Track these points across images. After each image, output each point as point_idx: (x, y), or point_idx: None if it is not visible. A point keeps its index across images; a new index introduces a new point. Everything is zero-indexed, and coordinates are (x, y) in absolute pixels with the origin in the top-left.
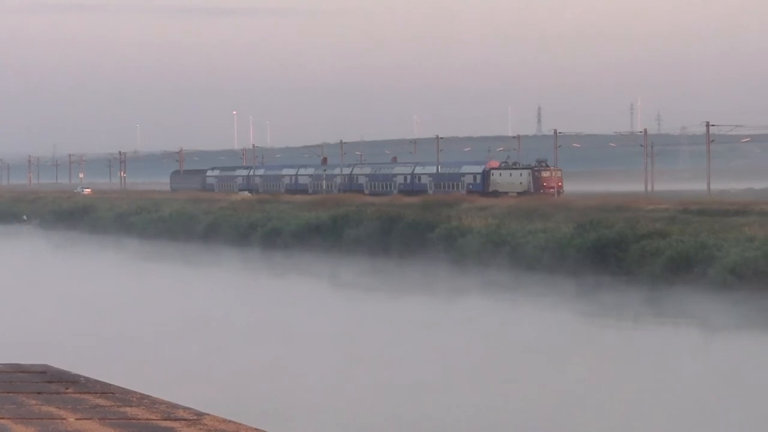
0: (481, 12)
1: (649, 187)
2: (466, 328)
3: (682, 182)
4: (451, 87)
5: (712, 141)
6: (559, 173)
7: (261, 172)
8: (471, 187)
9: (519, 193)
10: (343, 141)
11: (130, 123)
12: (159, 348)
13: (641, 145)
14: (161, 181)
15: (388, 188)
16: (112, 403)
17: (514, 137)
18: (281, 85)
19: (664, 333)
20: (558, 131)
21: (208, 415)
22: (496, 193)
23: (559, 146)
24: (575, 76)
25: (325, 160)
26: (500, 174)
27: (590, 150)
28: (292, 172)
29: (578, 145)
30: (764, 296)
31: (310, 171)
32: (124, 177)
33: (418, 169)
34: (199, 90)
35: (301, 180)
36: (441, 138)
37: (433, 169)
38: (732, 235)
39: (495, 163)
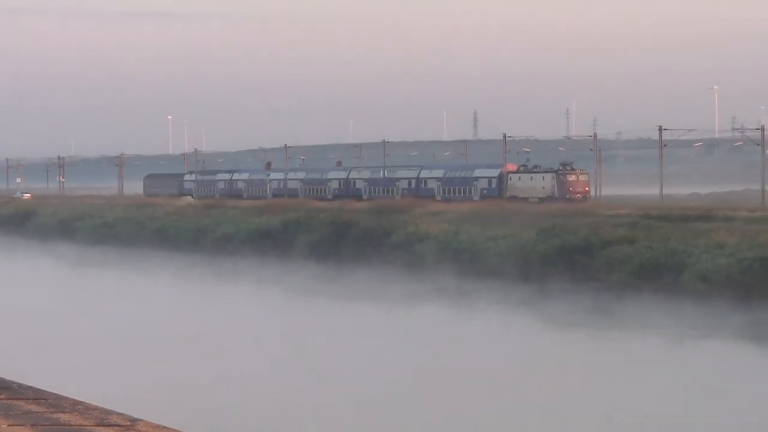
0: (413, 15)
1: (599, 192)
2: (398, 337)
3: (624, 187)
4: (384, 91)
5: (665, 145)
6: (585, 177)
7: (245, 176)
8: (485, 192)
9: (541, 199)
10: (286, 145)
11: (64, 127)
12: (92, 354)
13: (591, 150)
14: (100, 186)
15: (391, 193)
16: (45, 410)
17: (451, 142)
18: (213, 90)
19: (624, 341)
20: (507, 135)
21: (141, 420)
22: (513, 199)
23: (508, 150)
24: (508, 80)
25: (269, 165)
26: (519, 178)
27: (538, 154)
28: (281, 176)
29: (528, 150)
30: (736, 305)
31: (300, 175)
32: (63, 182)
33: (425, 173)
34: (132, 94)
35: (291, 185)
36: (373, 143)
37: (440, 173)
38: (701, 242)
39: (512, 166)
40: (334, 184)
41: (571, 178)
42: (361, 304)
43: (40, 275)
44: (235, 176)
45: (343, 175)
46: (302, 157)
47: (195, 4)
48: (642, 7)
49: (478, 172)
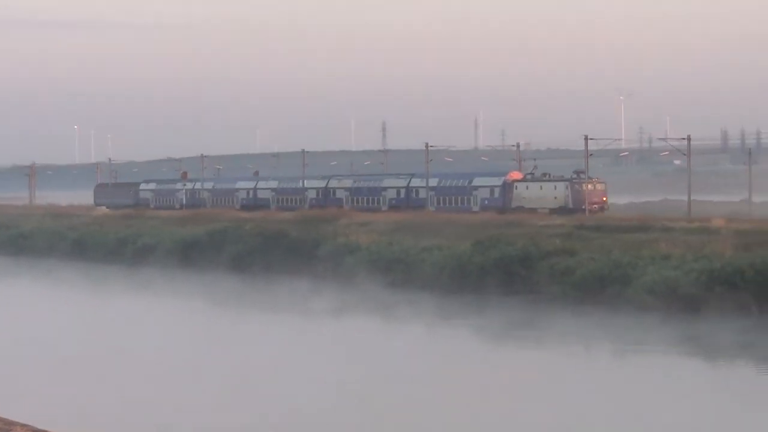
0: (324, 25)
1: None
2: (306, 351)
3: None
4: (292, 100)
5: (591, 155)
6: (602, 186)
7: (209, 185)
8: (486, 202)
9: (552, 210)
10: (203, 155)
11: None
12: None
13: (513, 160)
14: (9, 196)
15: (377, 203)
16: None
17: (358, 151)
18: (122, 99)
19: (552, 354)
20: (430, 145)
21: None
22: (520, 210)
23: (431, 160)
24: (416, 89)
25: (185, 175)
26: (527, 187)
27: (460, 165)
28: (250, 185)
29: (450, 159)
30: (683, 317)
31: (273, 184)
32: None
33: (415, 182)
34: (42, 103)
35: (261, 194)
36: (286, 152)
37: (434, 182)
38: (646, 253)
39: (517, 174)
40: (312, 194)
41: (588, 187)
42: (276, 316)
43: None
44: (197, 185)
45: (321, 184)
46: (218, 167)
47: (103, 13)
48: (547, 16)
49: (477, 181)
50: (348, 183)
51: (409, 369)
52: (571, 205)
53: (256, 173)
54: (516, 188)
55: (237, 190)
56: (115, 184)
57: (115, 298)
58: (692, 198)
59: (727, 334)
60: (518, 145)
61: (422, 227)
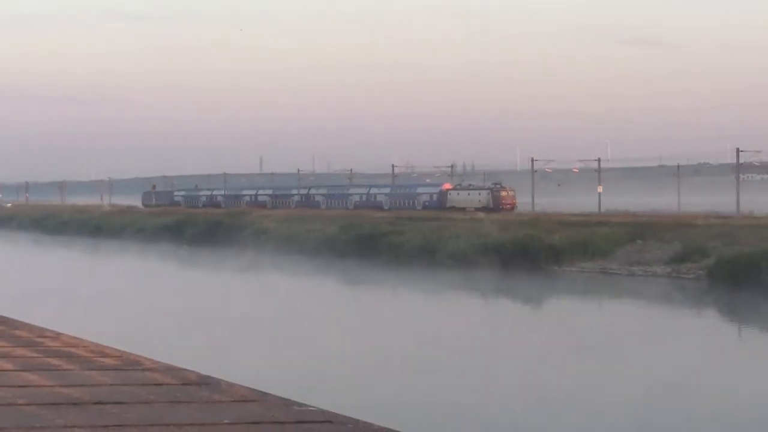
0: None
1: None
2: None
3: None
4: (174, 125)
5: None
6: (513, 192)
7: (221, 193)
8: (427, 203)
9: (477, 209)
10: (164, 175)
11: None
12: None
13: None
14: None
15: (346, 204)
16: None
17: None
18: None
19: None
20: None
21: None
22: (453, 209)
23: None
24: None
25: (154, 187)
26: (458, 193)
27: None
28: (251, 192)
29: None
30: (471, 272)
31: (269, 191)
32: None
33: (374, 190)
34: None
35: (261, 199)
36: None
37: (387, 190)
38: (445, 234)
39: (448, 185)
40: (297, 198)
41: (503, 193)
42: (205, 269)
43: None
44: (215, 192)
45: (304, 191)
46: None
47: None
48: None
49: (420, 189)
50: (324, 191)
51: (274, 298)
52: (491, 205)
53: (154, 187)
54: (450, 194)
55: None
56: (157, 192)
57: (130, 260)
58: None
59: (491, 280)
60: (351, 172)
61: (305, 218)
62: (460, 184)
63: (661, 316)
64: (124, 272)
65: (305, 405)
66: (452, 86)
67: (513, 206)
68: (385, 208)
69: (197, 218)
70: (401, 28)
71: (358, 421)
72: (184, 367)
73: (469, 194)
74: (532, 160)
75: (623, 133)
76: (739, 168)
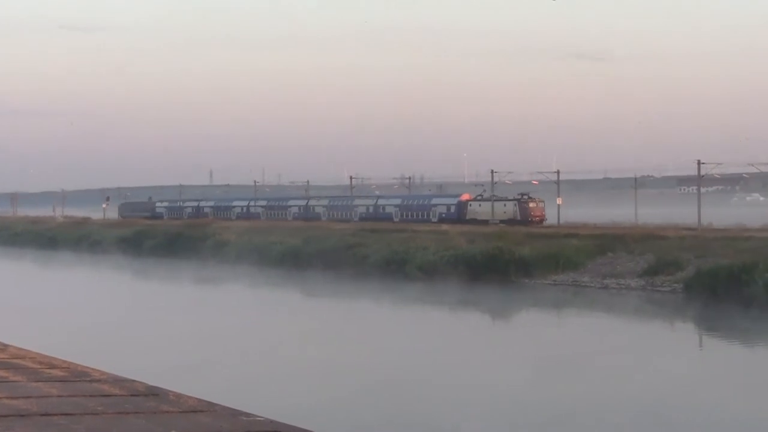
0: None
1: None
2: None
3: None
4: (124, 138)
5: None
6: (542, 204)
7: (211, 203)
8: (443, 215)
9: (502, 221)
10: (119, 187)
11: None
12: None
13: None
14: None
15: (350, 215)
16: None
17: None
18: None
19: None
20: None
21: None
22: (474, 221)
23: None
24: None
25: (107, 199)
26: (480, 205)
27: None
28: (244, 203)
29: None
30: (439, 285)
31: (263, 203)
32: None
33: (382, 201)
34: None
35: (253, 210)
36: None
37: (398, 201)
38: (413, 245)
39: (467, 196)
40: (295, 210)
41: (532, 204)
42: (158, 281)
43: None
44: (202, 203)
45: (303, 202)
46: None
47: None
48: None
49: (435, 200)
50: (325, 201)
51: (233, 306)
52: (519, 218)
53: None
54: (470, 206)
55: (234, 207)
56: (136, 202)
57: (85, 272)
58: None
59: (459, 293)
60: (308, 182)
61: (267, 230)
62: (481, 195)
63: (652, 331)
64: (76, 285)
65: (252, 415)
66: (401, 100)
67: (542, 219)
68: (395, 220)
69: (156, 230)
70: (350, 43)
71: (303, 430)
72: (133, 378)
73: (493, 205)
74: (492, 172)
75: (569, 146)
76: (700, 180)
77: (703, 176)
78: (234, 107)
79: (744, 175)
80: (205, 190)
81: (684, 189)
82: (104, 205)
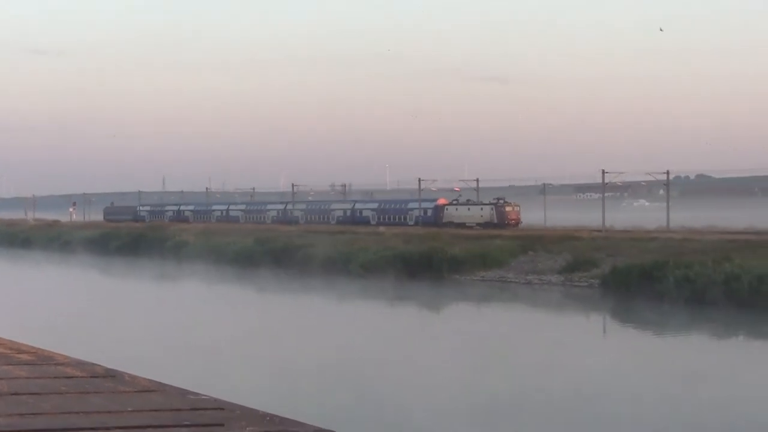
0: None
1: None
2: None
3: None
4: (90, 146)
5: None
6: (518, 208)
7: (191, 207)
8: (420, 219)
9: (479, 224)
10: (85, 193)
11: None
12: None
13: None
14: None
15: (327, 219)
16: None
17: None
18: None
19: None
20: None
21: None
22: (451, 225)
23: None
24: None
25: (74, 204)
26: (456, 209)
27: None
28: (223, 207)
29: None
30: (378, 281)
31: (242, 207)
32: None
33: (359, 205)
34: None
35: (233, 213)
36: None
37: (375, 205)
38: (356, 246)
39: (444, 200)
40: (273, 213)
41: (508, 208)
42: (124, 277)
43: None
44: (183, 207)
45: (281, 207)
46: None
47: None
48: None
49: (412, 205)
50: (302, 206)
51: (186, 299)
52: (495, 221)
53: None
54: (447, 209)
55: (213, 211)
56: (120, 207)
57: (55, 269)
58: None
59: (396, 288)
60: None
61: (223, 231)
62: (456, 200)
63: (571, 322)
64: (46, 280)
65: (199, 394)
66: (330, 113)
67: (518, 222)
68: (373, 223)
69: (121, 231)
70: (277, 62)
71: (245, 407)
72: (93, 361)
73: (469, 209)
74: (420, 180)
75: (479, 159)
76: (604, 188)
77: (607, 184)
78: (184, 121)
79: (642, 183)
80: (161, 195)
81: (580, 195)
82: (71, 209)
